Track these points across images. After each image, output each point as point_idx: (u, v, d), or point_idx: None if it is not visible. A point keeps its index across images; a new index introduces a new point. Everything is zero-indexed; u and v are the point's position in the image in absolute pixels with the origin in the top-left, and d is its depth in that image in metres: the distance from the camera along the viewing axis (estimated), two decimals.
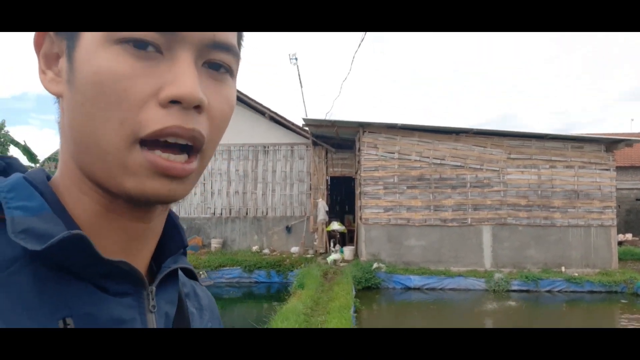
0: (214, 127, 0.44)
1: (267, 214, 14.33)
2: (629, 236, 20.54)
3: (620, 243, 17.38)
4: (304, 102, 26.08)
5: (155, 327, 0.46)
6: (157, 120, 0.40)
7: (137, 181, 0.41)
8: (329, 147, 14.17)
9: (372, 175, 11.74)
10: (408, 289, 10.62)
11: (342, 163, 14.49)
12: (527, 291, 10.36)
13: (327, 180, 14.51)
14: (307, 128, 13.28)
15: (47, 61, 0.45)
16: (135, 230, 0.47)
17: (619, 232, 17.53)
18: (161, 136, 0.40)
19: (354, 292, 9.11)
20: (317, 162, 14.23)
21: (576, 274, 10.83)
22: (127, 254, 0.46)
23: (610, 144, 11.48)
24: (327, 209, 13.37)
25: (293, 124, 14.21)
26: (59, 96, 0.45)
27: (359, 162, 12.27)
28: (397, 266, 11.20)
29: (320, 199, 13.46)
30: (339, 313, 6.93)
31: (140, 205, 0.44)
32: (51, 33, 0.44)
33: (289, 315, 6.57)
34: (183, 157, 0.42)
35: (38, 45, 0.45)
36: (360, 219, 12.09)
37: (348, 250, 12.45)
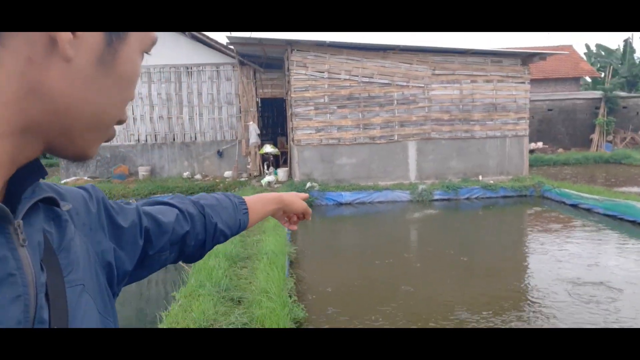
0: None
1: (196, 139, 13.93)
2: (539, 144, 22.41)
3: (531, 151, 18.99)
4: None
5: (29, 260, 0.45)
6: (125, 113, 0.56)
7: (97, 148, 0.52)
8: (257, 67, 13.67)
9: (303, 96, 11.62)
10: (340, 204, 11.09)
11: (272, 84, 14.13)
12: (448, 200, 11.21)
13: (257, 102, 14.18)
14: (232, 47, 12.63)
15: None
16: (12, 170, 0.46)
17: (531, 141, 19.07)
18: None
19: None
20: (245, 83, 13.76)
21: (492, 182, 11.81)
22: None
23: (526, 57, 12.05)
24: (258, 131, 13.22)
25: (217, 42, 13.44)
26: (67, 60, 0.45)
27: (288, 82, 12.02)
28: (329, 184, 11.58)
29: (251, 122, 13.23)
30: (274, 231, 7.16)
31: (71, 161, 0.54)
32: None
33: None
34: None
35: None
36: (293, 140, 12.12)
37: (282, 172, 12.59)
